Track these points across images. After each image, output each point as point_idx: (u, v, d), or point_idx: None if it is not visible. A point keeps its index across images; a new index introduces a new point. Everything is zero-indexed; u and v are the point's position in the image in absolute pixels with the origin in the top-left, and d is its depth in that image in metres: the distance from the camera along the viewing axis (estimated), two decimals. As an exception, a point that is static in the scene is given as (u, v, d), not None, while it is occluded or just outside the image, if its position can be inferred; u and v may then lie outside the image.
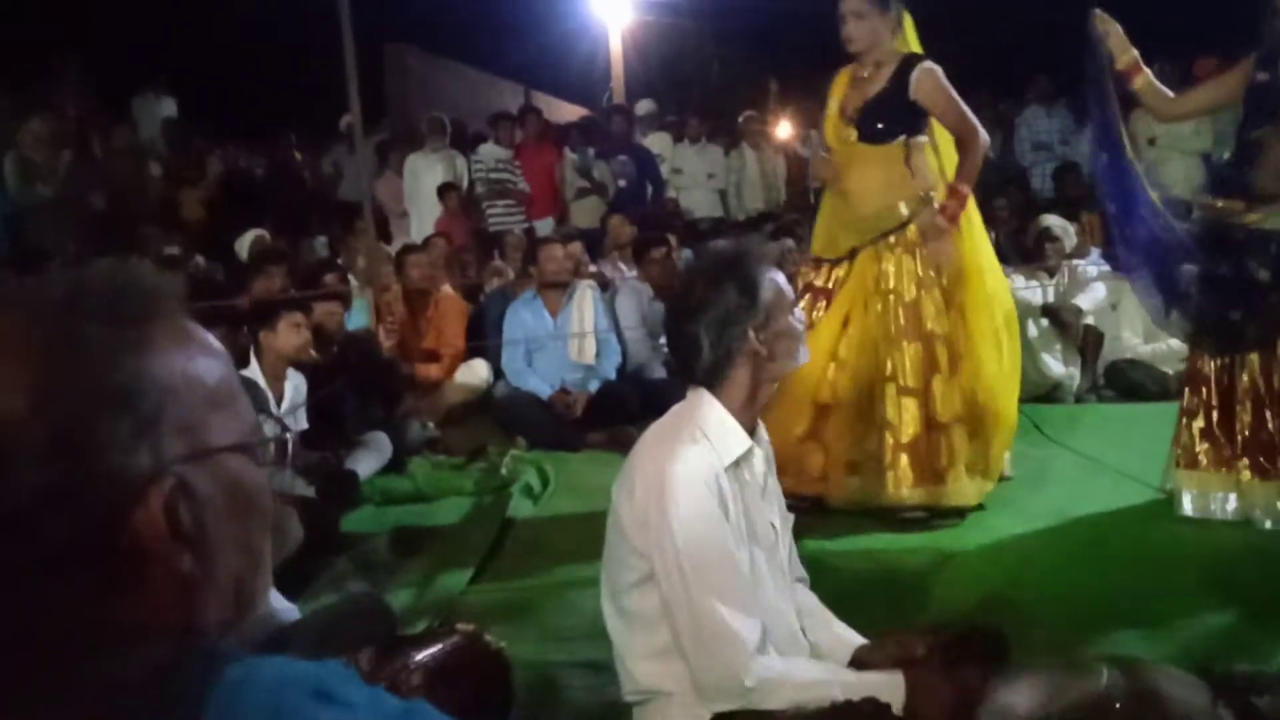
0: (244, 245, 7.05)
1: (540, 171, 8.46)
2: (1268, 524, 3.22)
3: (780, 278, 1.98)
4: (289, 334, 3.58)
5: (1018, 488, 3.85)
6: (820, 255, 3.85)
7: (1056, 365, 5.30)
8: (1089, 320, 5.32)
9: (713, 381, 1.93)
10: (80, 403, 0.66)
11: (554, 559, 3.32)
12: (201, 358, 0.74)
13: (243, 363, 3.78)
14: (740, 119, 9.40)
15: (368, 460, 4.18)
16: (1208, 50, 7.14)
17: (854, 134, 3.64)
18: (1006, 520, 3.50)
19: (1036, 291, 5.41)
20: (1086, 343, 5.35)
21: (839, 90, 3.74)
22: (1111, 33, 3.38)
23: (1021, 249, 5.97)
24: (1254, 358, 3.25)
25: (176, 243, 6.98)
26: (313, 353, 3.83)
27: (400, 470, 4.38)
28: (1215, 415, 3.35)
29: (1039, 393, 5.26)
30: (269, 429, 1.76)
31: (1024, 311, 5.30)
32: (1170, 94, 3.43)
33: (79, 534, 0.66)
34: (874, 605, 2.67)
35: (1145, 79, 3.38)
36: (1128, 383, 5.18)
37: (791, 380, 2.62)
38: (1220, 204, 3.28)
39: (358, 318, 5.79)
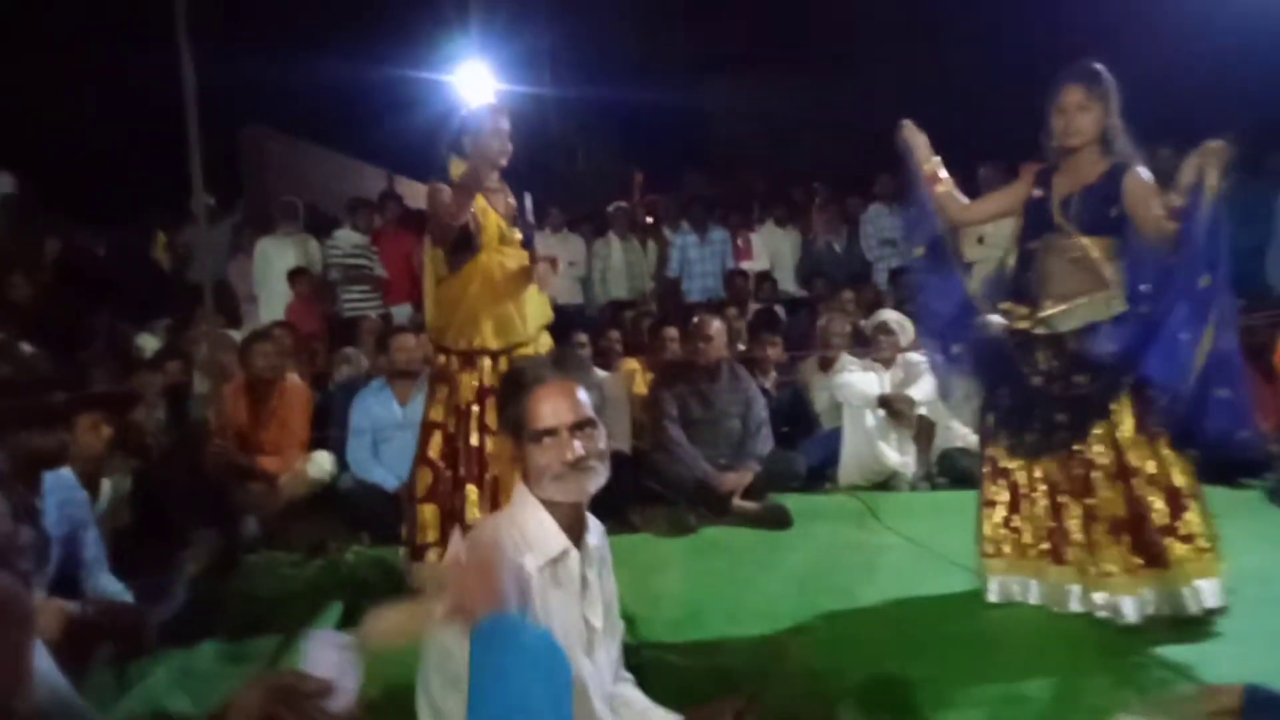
0: (146, 346, 6.89)
1: (398, 257, 8.43)
2: (1055, 608, 3.39)
3: (556, 404, 1.95)
4: (88, 436, 3.43)
5: (853, 575, 3.99)
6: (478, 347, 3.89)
7: (893, 454, 5.52)
8: (922, 410, 5.56)
9: (527, 481, 1.96)
10: None
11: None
12: None
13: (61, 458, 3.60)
14: (611, 208, 9.61)
15: (196, 558, 4.00)
16: (993, 157, 7.76)
17: (519, 237, 3.95)
18: (839, 607, 3.61)
19: (874, 382, 5.64)
20: (920, 432, 5.60)
21: (496, 205, 3.93)
22: (916, 142, 3.63)
23: (861, 341, 6.22)
24: (1047, 460, 3.41)
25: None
26: (119, 457, 3.65)
27: (233, 568, 4.21)
28: (1013, 507, 3.50)
29: (876, 480, 5.49)
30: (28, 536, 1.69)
31: (863, 402, 5.54)
32: (965, 200, 3.65)
33: None
34: (701, 695, 2.69)
35: (944, 186, 3.62)
36: (959, 470, 5.39)
37: None
38: (1009, 308, 3.49)
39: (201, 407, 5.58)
